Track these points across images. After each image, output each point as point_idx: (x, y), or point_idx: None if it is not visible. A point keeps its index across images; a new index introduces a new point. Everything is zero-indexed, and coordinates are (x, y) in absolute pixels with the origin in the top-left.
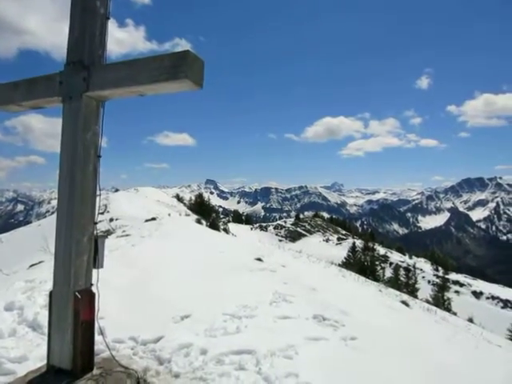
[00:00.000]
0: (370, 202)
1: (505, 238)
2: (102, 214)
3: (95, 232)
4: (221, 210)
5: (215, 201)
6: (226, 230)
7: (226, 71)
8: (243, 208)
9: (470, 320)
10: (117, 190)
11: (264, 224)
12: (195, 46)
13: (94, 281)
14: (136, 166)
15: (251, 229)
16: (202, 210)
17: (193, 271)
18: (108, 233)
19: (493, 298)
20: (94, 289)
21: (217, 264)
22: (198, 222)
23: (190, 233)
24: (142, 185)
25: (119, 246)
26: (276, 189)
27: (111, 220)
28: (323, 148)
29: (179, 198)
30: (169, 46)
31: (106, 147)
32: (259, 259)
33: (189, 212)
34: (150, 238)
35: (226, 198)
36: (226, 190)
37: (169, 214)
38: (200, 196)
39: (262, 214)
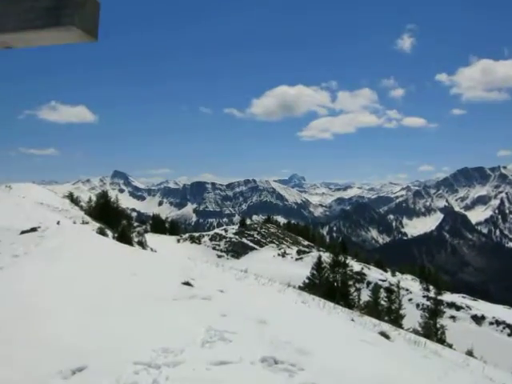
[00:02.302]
0: (340, 200)
1: (511, 244)
2: None
3: None
4: (134, 214)
5: (127, 202)
6: (142, 244)
7: (140, 21)
8: (167, 211)
9: (469, 353)
10: None
11: (196, 234)
12: None
13: None
14: (8, 151)
15: (178, 241)
16: (106, 215)
17: (92, 305)
18: None
19: (497, 322)
20: None
21: (127, 292)
22: (101, 232)
23: (89, 249)
24: (17, 179)
25: None
26: (213, 184)
27: None
28: (276, 128)
29: (73, 199)
30: None
31: None
32: (188, 283)
33: (87, 218)
34: (27, 258)
35: (142, 198)
36: (141, 187)
37: (57, 223)
38: (104, 195)
39: (194, 219)
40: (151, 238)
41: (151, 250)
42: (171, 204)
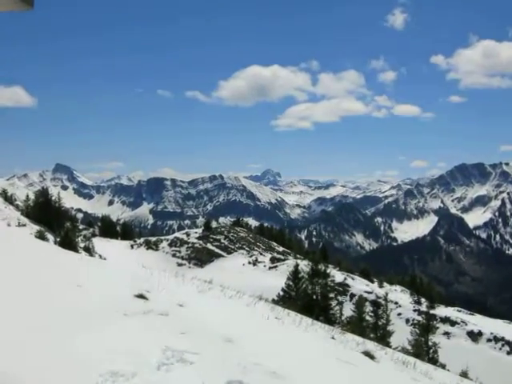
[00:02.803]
0: (321, 200)
1: None
2: None
3: None
4: (80, 215)
5: (71, 200)
6: (89, 250)
7: None
8: (119, 212)
9: (464, 373)
10: None
11: (153, 238)
12: None
13: None
14: None
15: (132, 246)
16: (47, 216)
17: (27, 323)
18: None
19: (496, 339)
20: None
21: (70, 307)
22: (41, 236)
23: (25, 255)
24: None
25: None
26: (173, 180)
27: None
28: (248, 115)
29: (7, 197)
30: None
31: None
32: (142, 296)
33: (24, 220)
34: None
35: (89, 196)
36: (89, 183)
37: None
38: (44, 193)
39: (151, 221)
40: (100, 243)
41: (100, 257)
42: (124, 204)
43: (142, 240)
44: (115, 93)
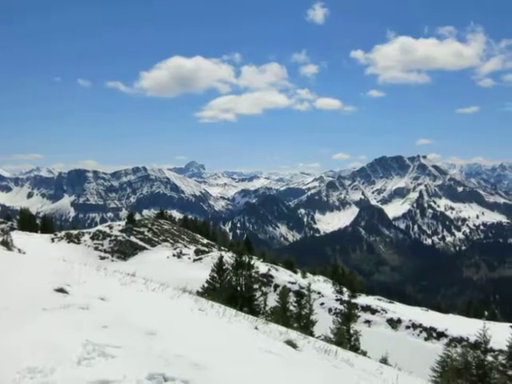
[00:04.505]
0: (245, 192)
1: (429, 241)
2: None
3: None
4: None
5: None
6: (8, 244)
7: None
8: (39, 205)
9: (384, 360)
10: None
11: (75, 231)
12: None
13: None
14: None
15: (52, 240)
16: None
17: None
18: None
19: (414, 326)
20: None
21: None
22: None
23: None
24: None
25: None
26: (95, 172)
27: None
28: (171, 106)
29: None
30: None
31: None
32: (62, 290)
33: None
34: None
35: (7, 189)
36: (6, 175)
37: None
38: None
39: (72, 214)
40: (19, 237)
41: (19, 251)
42: (44, 196)
43: (62, 233)
44: (33, 82)
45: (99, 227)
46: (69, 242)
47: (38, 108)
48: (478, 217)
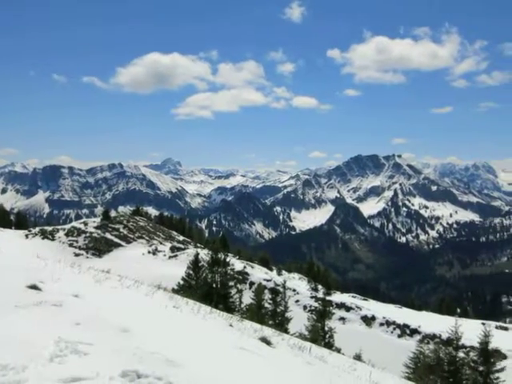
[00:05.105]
0: (221, 190)
1: (404, 239)
2: None
3: None
4: None
5: None
6: None
7: None
8: (13, 201)
9: (358, 356)
10: None
11: (49, 228)
12: None
13: None
14: None
15: (26, 236)
16: None
17: None
18: None
19: (388, 323)
20: None
21: None
22: None
23: None
24: None
25: None
26: (70, 168)
27: None
28: (147, 102)
29: None
30: None
31: None
32: (35, 287)
33: None
34: None
35: None
36: None
37: None
38: None
39: (47, 210)
40: None
41: None
42: (18, 192)
43: (37, 229)
44: (7, 76)
45: (74, 224)
46: (43, 239)
47: (13, 102)
48: (451, 215)
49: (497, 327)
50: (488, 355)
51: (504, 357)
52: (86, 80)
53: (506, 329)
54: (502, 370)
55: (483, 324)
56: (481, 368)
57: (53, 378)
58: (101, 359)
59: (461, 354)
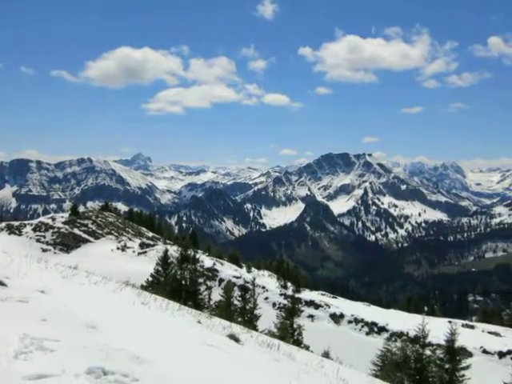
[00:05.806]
0: (191, 186)
1: (373, 237)
2: None
3: None
4: None
5: None
6: None
7: None
8: None
9: (326, 354)
10: None
11: (16, 223)
12: None
13: None
14: None
15: None
16: None
17: None
18: None
19: (356, 321)
20: None
21: None
22: None
23: None
24: None
25: None
26: (38, 162)
27: None
28: (118, 97)
29: None
30: None
31: None
32: (0, 282)
33: None
34: None
35: None
36: None
37: None
38: None
39: (14, 204)
40: None
41: None
42: None
43: (3, 224)
44: None
45: (41, 219)
46: (10, 234)
47: None
48: (420, 214)
49: (463, 325)
50: (454, 353)
51: (470, 355)
52: (55, 73)
53: (472, 327)
54: (467, 367)
55: (450, 322)
56: (447, 365)
57: (17, 375)
58: (67, 356)
59: (427, 352)
